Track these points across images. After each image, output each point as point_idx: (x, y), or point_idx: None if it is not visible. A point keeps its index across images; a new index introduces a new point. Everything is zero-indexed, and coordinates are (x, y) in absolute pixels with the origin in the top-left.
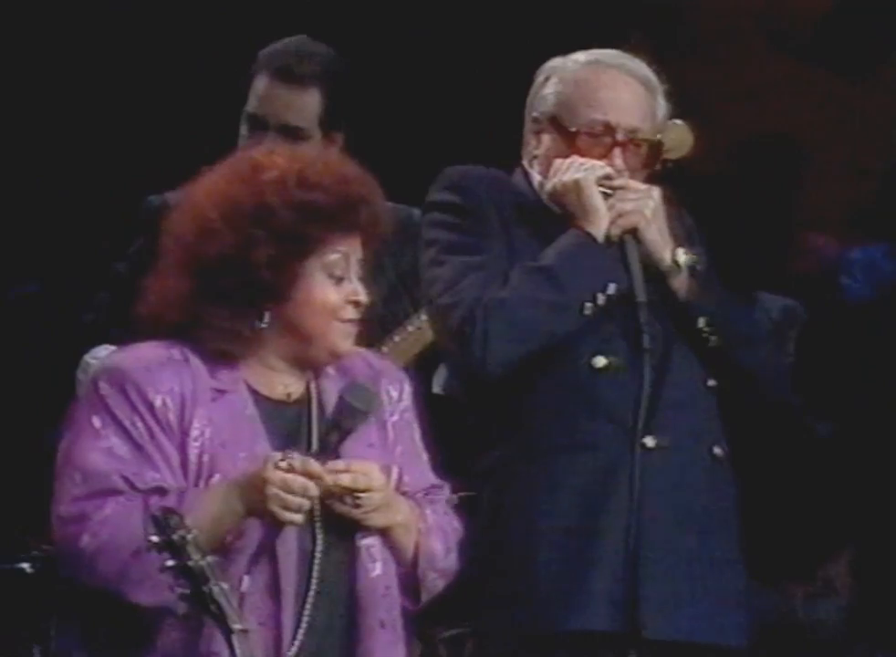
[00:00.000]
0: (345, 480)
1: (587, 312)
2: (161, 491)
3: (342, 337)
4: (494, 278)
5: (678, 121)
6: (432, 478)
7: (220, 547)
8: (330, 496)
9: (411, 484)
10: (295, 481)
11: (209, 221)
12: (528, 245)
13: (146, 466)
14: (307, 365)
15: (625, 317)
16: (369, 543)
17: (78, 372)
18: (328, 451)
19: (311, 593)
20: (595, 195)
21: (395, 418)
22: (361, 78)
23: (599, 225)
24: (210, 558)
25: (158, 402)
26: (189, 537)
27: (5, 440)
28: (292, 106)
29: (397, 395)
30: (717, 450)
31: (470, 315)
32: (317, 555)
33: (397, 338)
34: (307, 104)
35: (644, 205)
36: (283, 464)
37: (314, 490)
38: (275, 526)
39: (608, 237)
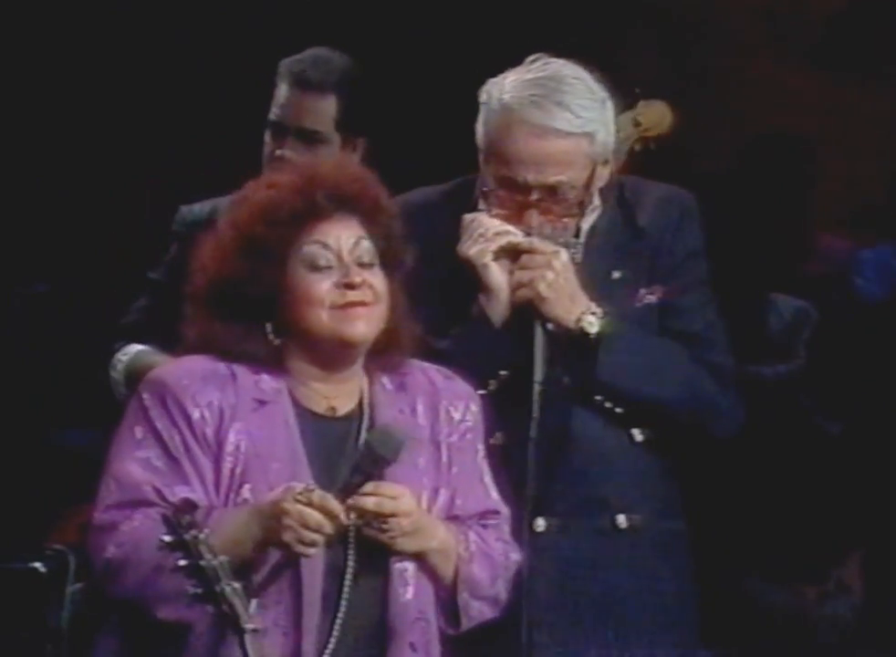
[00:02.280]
0: (368, 504)
1: None
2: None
3: (343, 322)
4: None
5: (655, 101)
6: (489, 503)
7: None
8: (361, 518)
9: (464, 507)
10: (311, 516)
11: (197, 259)
12: (455, 294)
13: (178, 479)
14: (336, 365)
15: (525, 393)
16: (403, 567)
17: (109, 369)
18: (350, 491)
19: (340, 614)
20: (489, 274)
21: (453, 439)
22: (381, 84)
23: (496, 305)
24: (222, 558)
25: (196, 416)
26: (201, 536)
27: (13, 440)
28: (308, 110)
29: (459, 416)
30: (623, 521)
31: None
32: (348, 576)
33: None
34: (322, 108)
35: (541, 277)
36: (302, 498)
37: (329, 528)
38: (289, 556)
39: (513, 304)
